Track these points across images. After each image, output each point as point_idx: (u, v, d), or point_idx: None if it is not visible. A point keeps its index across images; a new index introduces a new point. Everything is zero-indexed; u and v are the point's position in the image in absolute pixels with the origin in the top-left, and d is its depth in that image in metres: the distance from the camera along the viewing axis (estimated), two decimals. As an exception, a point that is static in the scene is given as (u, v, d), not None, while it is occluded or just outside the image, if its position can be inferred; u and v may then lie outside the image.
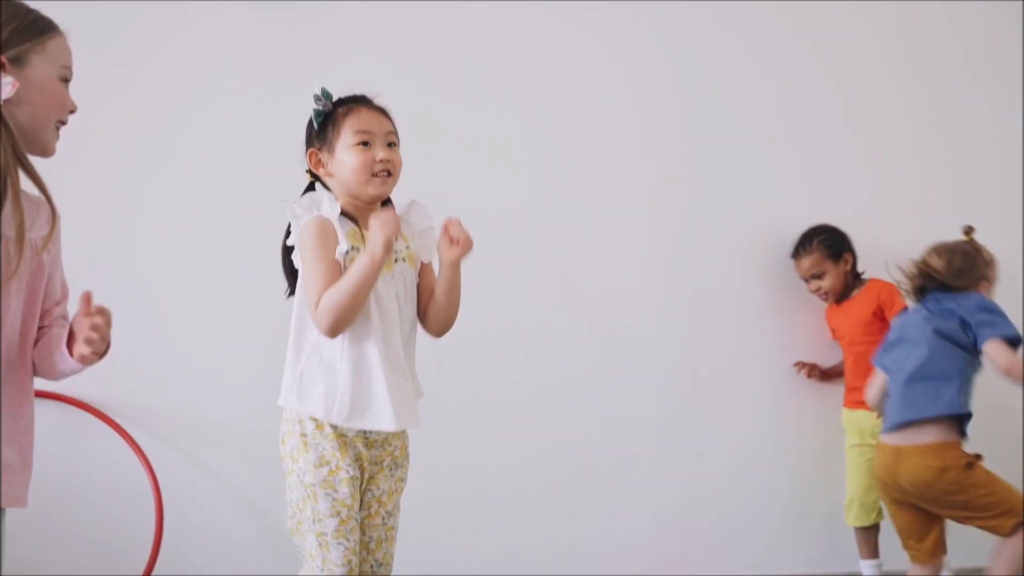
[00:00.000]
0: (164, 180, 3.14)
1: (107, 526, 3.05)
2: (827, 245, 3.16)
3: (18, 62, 1.47)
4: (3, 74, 1.44)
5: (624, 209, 3.30)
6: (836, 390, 3.31)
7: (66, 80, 1.55)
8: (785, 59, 3.32)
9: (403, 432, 2.11)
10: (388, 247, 1.92)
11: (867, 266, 3.29)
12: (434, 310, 2.09)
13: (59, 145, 1.60)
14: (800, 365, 3.31)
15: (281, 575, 3.07)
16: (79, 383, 2.89)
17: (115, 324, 3.01)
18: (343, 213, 2.03)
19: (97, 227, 3.08)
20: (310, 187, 2.09)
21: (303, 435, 2.00)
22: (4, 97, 1.44)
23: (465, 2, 3.27)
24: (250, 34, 3.19)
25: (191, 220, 3.14)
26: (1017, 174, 3.36)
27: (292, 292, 2.09)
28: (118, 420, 3.01)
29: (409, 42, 3.21)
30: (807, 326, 3.35)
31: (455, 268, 2.05)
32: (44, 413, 2.89)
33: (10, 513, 2.69)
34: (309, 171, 2.09)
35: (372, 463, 2.07)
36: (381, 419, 1.99)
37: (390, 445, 2.08)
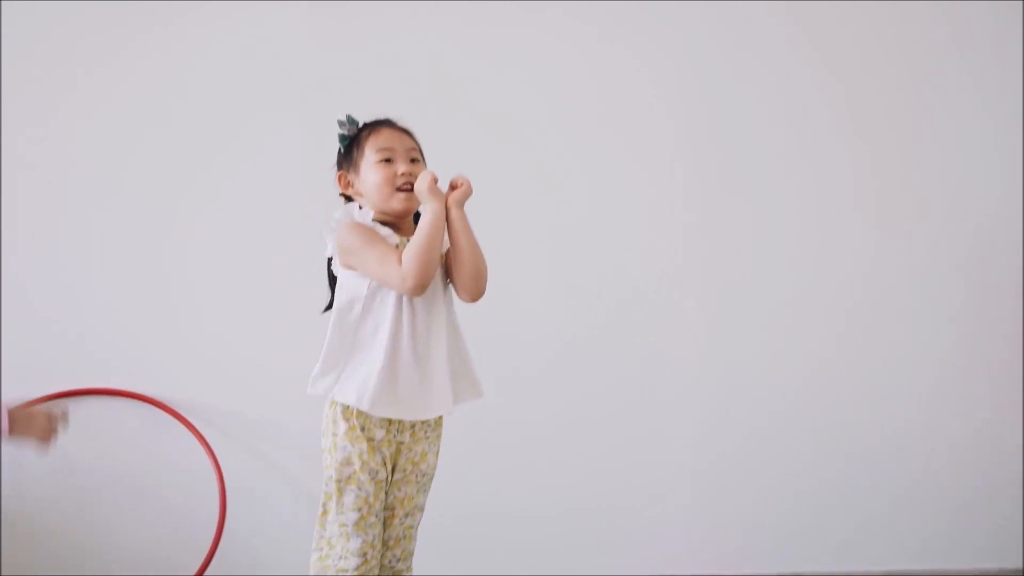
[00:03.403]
0: (219, 175, 3.18)
1: (173, 513, 3.17)
2: None
3: None
4: None
5: (659, 223, 3.31)
6: (861, 420, 3.32)
7: None
8: (789, 61, 3.33)
9: (431, 437, 2.19)
10: (438, 195, 2.02)
11: (875, 267, 3.33)
12: (455, 270, 2.10)
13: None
14: None
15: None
16: (152, 381, 3.14)
17: (186, 325, 3.18)
18: (378, 220, 2.12)
19: (151, 225, 3.17)
20: (346, 207, 2.17)
21: (335, 435, 2.11)
22: None
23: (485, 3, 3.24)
24: (221, 26, 3.19)
25: (260, 215, 3.18)
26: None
27: (330, 306, 2.17)
28: (187, 415, 3.14)
29: (431, 48, 3.24)
30: (847, 342, 3.36)
31: (456, 209, 2.06)
32: (119, 409, 3.14)
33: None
34: (342, 194, 2.19)
35: (399, 467, 2.16)
36: (402, 410, 2.08)
37: (408, 453, 2.15)
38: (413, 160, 2.13)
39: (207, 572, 3.12)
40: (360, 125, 2.17)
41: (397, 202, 2.10)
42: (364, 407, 2.06)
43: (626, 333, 3.31)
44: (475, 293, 2.13)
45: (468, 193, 2.08)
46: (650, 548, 3.33)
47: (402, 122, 2.18)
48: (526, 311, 3.25)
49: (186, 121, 3.19)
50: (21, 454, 3.08)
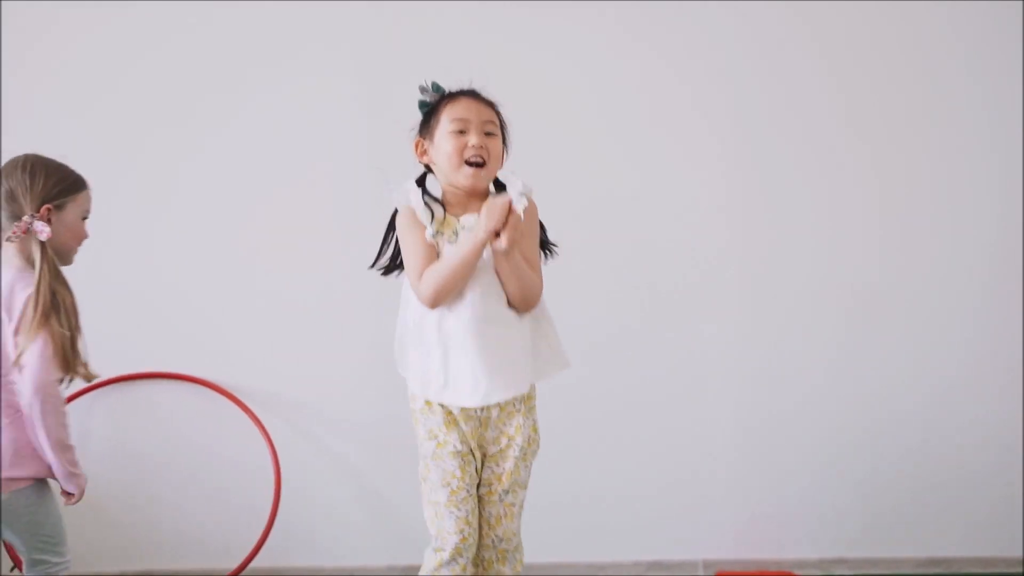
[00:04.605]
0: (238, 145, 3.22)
1: (229, 496, 3.23)
2: None
3: (58, 208, 2.13)
4: (42, 222, 2.09)
5: (702, 217, 3.34)
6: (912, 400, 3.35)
7: (85, 218, 2.23)
8: (823, 69, 3.36)
9: (523, 410, 2.10)
10: (492, 234, 1.94)
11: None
12: (503, 284, 2.05)
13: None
14: None
15: (388, 553, 3.25)
16: (212, 367, 3.24)
17: (247, 310, 3.28)
18: (438, 200, 2.08)
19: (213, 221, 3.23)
20: (423, 174, 2.15)
21: (415, 411, 2.11)
22: (42, 239, 2.09)
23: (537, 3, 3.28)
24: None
25: (321, 202, 3.22)
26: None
27: (375, 264, 2.18)
28: (245, 400, 3.21)
29: (470, 46, 3.24)
30: (881, 321, 3.38)
31: (504, 257, 1.99)
32: (178, 393, 3.23)
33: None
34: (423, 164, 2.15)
35: (488, 443, 2.10)
36: (460, 396, 2.02)
37: (501, 427, 2.09)
38: (488, 133, 2.05)
39: (260, 554, 3.17)
40: (444, 93, 2.10)
41: (464, 177, 2.04)
42: (425, 395, 2.07)
43: (671, 321, 3.35)
44: (522, 308, 2.07)
45: (515, 232, 1.96)
46: (691, 532, 3.36)
47: (485, 93, 2.11)
48: (576, 299, 3.24)
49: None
50: (85, 435, 3.18)
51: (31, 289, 2.07)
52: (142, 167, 3.26)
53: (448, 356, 2.03)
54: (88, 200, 2.23)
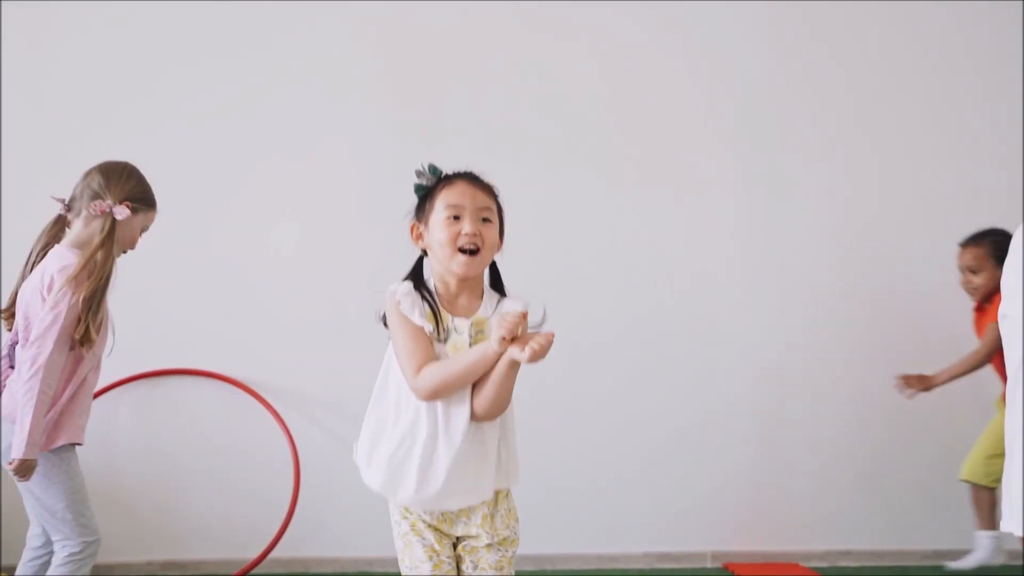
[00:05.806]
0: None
1: (250, 488, 3.31)
2: (997, 246, 3.07)
3: (133, 212, 2.39)
4: (122, 207, 2.33)
5: (712, 214, 3.43)
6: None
7: (141, 232, 2.48)
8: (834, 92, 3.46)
9: (476, 513, 1.95)
10: (504, 347, 1.82)
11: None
12: (477, 394, 1.90)
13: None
14: (906, 381, 3.18)
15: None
16: (234, 364, 3.31)
17: (263, 314, 3.35)
18: (432, 295, 1.95)
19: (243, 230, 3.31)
20: (419, 259, 2.03)
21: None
22: (119, 218, 2.34)
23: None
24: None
25: (336, 201, 3.29)
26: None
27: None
28: (266, 396, 3.29)
29: (488, 59, 3.37)
30: (886, 320, 3.46)
31: (511, 368, 1.85)
32: (201, 389, 3.32)
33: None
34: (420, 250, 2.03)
35: (456, 530, 1.96)
36: (407, 496, 1.90)
37: (468, 523, 1.95)
38: (484, 220, 1.95)
39: (279, 544, 3.24)
40: (440, 176, 2.01)
41: (457, 265, 1.92)
42: (377, 490, 1.97)
43: (680, 320, 3.42)
44: (486, 417, 1.92)
45: (536, 358, 1.81)
46: (699, 525, 3.43)
47: (483, 177, 2.00)
48: (584, 298, 3.36)
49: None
50: (111, 429, 3.27)
51: (66, 263, 2.29)
52: (163, 163, 3.25)
53: (409, 453, 1.91)
54: (151, 220, 2.49)
